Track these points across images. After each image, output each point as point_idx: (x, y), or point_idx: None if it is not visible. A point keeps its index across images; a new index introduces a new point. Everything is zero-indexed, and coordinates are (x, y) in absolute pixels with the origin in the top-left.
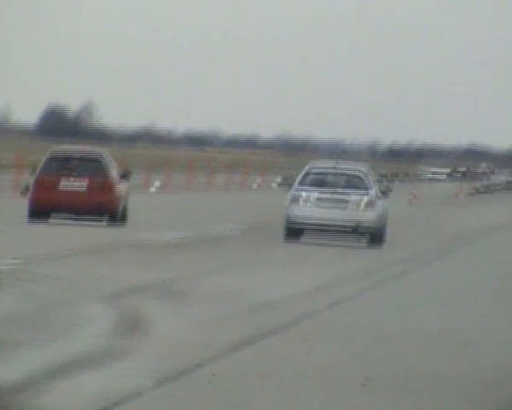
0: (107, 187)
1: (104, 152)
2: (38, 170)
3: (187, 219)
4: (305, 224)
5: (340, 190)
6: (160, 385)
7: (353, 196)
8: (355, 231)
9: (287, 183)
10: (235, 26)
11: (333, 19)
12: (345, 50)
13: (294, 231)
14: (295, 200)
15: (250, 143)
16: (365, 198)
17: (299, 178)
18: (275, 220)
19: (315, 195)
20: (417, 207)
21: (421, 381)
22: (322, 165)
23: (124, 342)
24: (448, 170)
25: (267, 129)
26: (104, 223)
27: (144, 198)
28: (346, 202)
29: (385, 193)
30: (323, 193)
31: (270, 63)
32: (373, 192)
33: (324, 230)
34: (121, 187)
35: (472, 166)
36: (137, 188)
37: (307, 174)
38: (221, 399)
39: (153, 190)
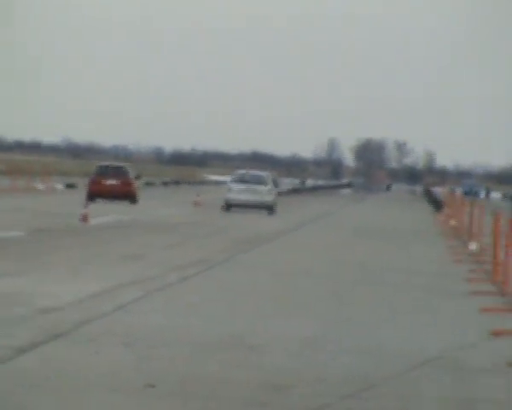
0: (129, 183)
1: (126, 164)
2: (92, 174)
3: None
4: (234, 202)
5: (252, 184)
6: None
7: (259, 187)
8: (260, 206)
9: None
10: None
11: (118, 25)
12: (124, 58)
13: (228, 206)
14: (228, 189)
15: (34, 147)
16: (265, 188)
17: (230, 178)
18: (60, 223)
19: (239, 186)
20: (202, 210)
21: (204, 385)
22: (241, 171)
23: None
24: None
25: (49, 134)
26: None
27: None
28: (256, 190)
29: (275, 185)
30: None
31: (48, 66)
32: (270, 186)
33: (244, 206)
34: (135, 183)
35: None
36: None
37: (235, 176)
38: (4, 404)
39: None
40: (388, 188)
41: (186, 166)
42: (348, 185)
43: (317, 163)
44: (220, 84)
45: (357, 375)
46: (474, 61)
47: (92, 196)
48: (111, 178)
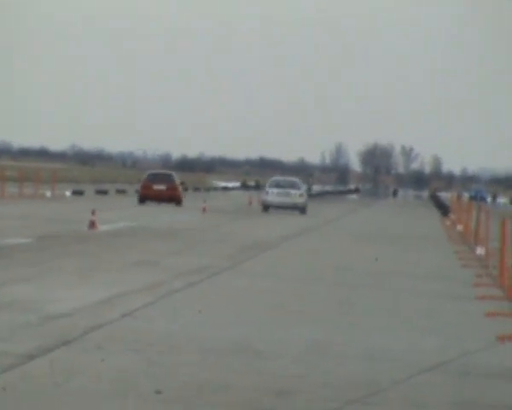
0: (175, 187)
1: (172, 172)
2: (143, 180)
3: None
4: (271, 203)
5: (286, 188)
6: None
7: (293, 191)
8: (294, 207)
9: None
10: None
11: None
12: (131, 65)
13: (266, 207)
14: (266, 192)
15: (41, 154)
16: (298, 192)
17: (268, 183)
18: (66, 230)
19: (275, 190)
20: (210, 215)
21: (211, 391)
22: (277, 177)
23: None
24: (238, 183)
25: (57, 141)
26: (174, 206)
27: None
28: (290, 194)
29: (307, 190)
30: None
31: (55, 73)
32: (301, 190)
33: (279, 207)
34: (180, 188)
35: (261, 179)
36: None
37: (271, 181)
38: None
39: None
40: (395, 193)
41: (193, 173)
42: (355, 191)
43: (324, 169)
44: (227, 90)
45: (364, 380)
46: (482, 66)
47: (143, 199)
48: (159, 184)
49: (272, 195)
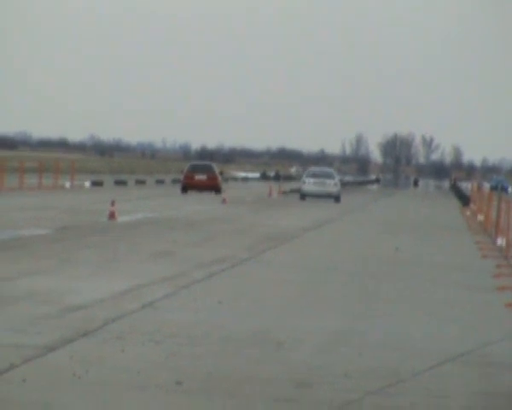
0: (215, 177)
1: (212, 163)
2: (185, 171)
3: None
4: (308, 193)
5: (322, 178)
6: None
7: (328, 181)
8: (329, 196)
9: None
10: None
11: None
12: (151, 56)
13: (303, 196)
14: (303, 182)
15: (61, 145)
16: (333, 181)
17: (304, 174)
18: (87, 220)
19: (311, 180)
20: (230, 206)
21: (231, 382)
22: (313, 168)
23: None
24: (257, 174)
25: (75, 131)
26: (214, 194)
27: None
28: (325, 183)
29: (340, 180)
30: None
31: (74, 64)
32: (336, 179)
33: (315, 195)
34: (219, 178)
35: (281, 168)
36: None
37: (308, 171)
38: (33, 402)
39: None
40: (416, 183)
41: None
42: (376, 181)
43: (345, 159)
44: (246, 82)
45: (384, 371)
46: (500, 56)
47: (186, 188)
48: (200, 174)
49: (309, 184)
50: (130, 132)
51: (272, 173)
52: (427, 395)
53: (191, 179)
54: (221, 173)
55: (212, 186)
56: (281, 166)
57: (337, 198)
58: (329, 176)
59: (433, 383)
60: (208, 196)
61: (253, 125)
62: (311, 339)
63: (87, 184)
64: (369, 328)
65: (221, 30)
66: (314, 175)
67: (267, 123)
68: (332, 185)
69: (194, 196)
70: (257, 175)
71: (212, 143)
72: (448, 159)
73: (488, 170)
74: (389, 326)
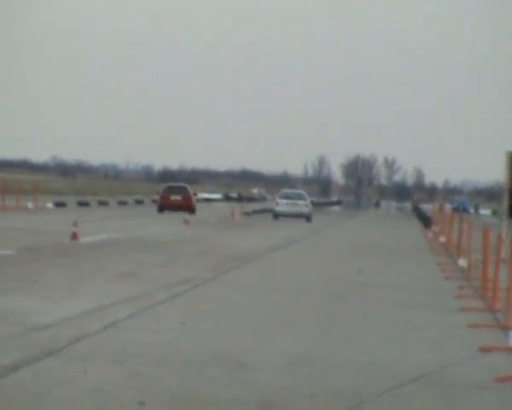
0: (189, 198)
1: (186, 185)
2: (161, 192)
3: None
4: (281, 213)
5: (294, 199)
6: None
7: (300, 202)
8: (301, 215)
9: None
10: None
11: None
12: (114, 77)
13: (276, 216)
14: (276, 203)
15: (24, 166)
16: (304, 202)
17: (277, 195)
18: (49, 241)
19: (284, 201)
20: (191, 228)
21: (195, 403)
22: (285, 190)
23: None
24: (220, 195)
25: (38, 152)
26: (188, 214)
27: None
28: (297, 204)
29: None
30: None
31: (35, 85)
32: (307, 200)
33: (288, 215)
34: (194, 199)
35: (243, 190)
36: None
37: (281, 193)
38: None
39: None
40: (377, 205)
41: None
42: (338, 203)
43: (307, 181)
44: (207, 102)
45: (348, 392)
46: (462, 77)
47: (162, 208)
48: (176, 195)
49: (282, 205)
50: (93, 153)
51: (235, 194)
52: None
53: (167, 200)
54: (195, 194)
55: (187, 206)
56: (243, 187)
57: (308, 218)
58: (301, 197)
59: (396, 403)
60: (171, 216)
61: (214, 146)
62: (275, 360)
63: (50, 205)
64: (332, 349)
65: (178, 51)
66: (287, 196)
67: (229, 144)
68: (304, 206)
69: (158, 217)
70: (219, 196)
71: (174, 164)
72: (410, 180)
73: (450, 191)
74: (352, 348)
